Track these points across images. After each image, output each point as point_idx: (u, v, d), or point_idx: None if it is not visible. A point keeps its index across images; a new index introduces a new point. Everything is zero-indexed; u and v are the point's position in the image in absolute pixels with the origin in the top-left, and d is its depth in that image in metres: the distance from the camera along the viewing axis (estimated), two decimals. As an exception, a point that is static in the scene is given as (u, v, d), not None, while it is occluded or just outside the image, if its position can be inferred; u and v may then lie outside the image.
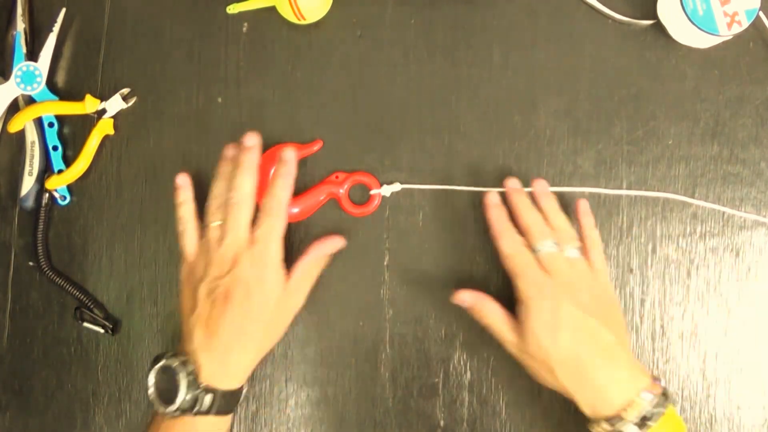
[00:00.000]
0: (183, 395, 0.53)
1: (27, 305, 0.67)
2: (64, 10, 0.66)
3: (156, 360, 0.55)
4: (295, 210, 0.63)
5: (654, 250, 0.63)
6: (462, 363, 0.63)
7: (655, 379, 0.54)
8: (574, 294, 0.55)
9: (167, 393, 0.53)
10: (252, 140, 0.60)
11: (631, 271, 0.63)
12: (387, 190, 0.63)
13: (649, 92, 0.64)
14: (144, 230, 0.66)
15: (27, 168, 0.65)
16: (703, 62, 0.63)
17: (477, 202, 0.63)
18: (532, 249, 0.57)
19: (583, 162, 0.63)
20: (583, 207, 0.60)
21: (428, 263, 0.64)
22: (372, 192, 0.63)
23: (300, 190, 0.64)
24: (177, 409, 0.53)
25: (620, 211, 0.63)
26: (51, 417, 0.66)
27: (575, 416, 0.63)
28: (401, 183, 0.64)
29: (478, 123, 0.64)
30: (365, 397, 0.64)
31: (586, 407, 0.53)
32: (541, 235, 0.57)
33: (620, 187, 0.63)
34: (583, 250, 0.58)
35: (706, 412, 0.63)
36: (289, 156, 0.59)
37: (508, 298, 0.63)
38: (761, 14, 0.60)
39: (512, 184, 0.61)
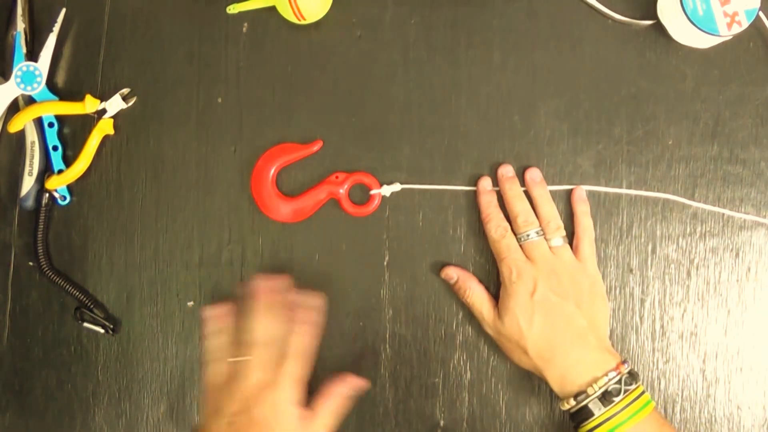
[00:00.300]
0: None
1: (27, 305, 0.67)
2: (64, 10, 0.66)
3: None
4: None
5: (654, 250, 0.63)
6: (462, 363, 0.63)
7: (624, 362, 0.56)
8: (552, 280, 0.58)
9: None
10: (268, 282, 0.59)
11: (631, 271, 0.63)
12: (387, 190, 0.63)
13: (649, 92, 0.64)
14: (144, 230, 0.66)
15: (27, 168, 0.65)
16: (703, 62, 0.63)
17: (476, 203, 0.63)
18: (519, 236, 0.60)
19: (583, 162, 0.63)
20: (579, 193, 0.62)
21: (428, 263, 0.64)
22: (372, 192, 0.63)
23: (300, 190, 0.64)
24: None
25: (620, 211, 0.63)
26: (51, 417, 0.66)
27: (575, 416, 0.62)
28: (401, 183, 0.64)
29: (478, 123, 0.64)
30: (365, 397, 0.64)
31: (555, 384, 0.57)
32: (526, 225, 0.60)
33: (620, 187, 0.63)
34: (574, 237, 0.61)
35: (706, 412, 0.63)
36: (318, 304, 0.60)
37: (508, 298, 0.63)
38: (761, 14, 0.60)
39: (505, 170, 0.63)
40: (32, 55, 0.66)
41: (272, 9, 0.64)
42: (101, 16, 0.67)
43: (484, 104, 0.64)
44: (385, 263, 0.64)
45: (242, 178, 0.65)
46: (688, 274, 0.63)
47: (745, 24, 0.59)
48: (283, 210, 0.63)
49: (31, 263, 0.66)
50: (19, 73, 0.65)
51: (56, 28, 0.65)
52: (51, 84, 0.66)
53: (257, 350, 0.56)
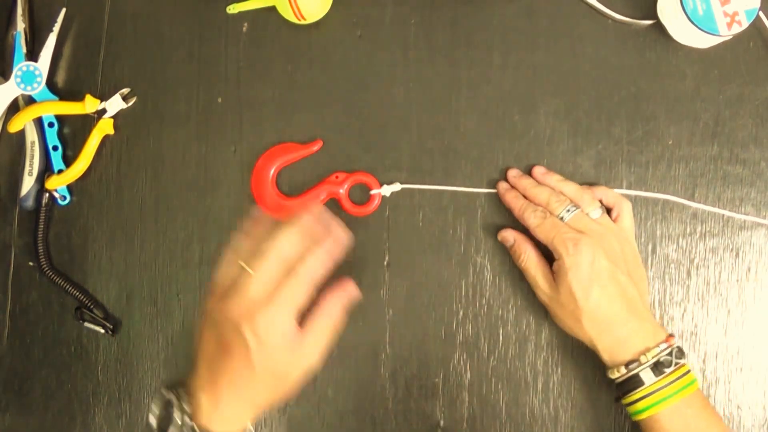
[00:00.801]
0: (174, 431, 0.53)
1: (27, 305, 0.67)
2: (64, 10, 0.66)
3: (164, 388, 0.55)
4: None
5: (654, 250, 0.63)
6: (462, 363, 0.63)
7: (672, 335, 0.57)
8: (607, 249, 0.57)
9: (164, 423, 0.53)
10: (310, 211, 0.56)
11: (631, 271, 0.63)
12: (387, 190, 0.63)
13: (649, 92, 0.64)
14: (144, 230, 0.66)
15: (27, 168, 0.65)
16: (703, 62, 0.63)
17: (476, 203, 0.63)
18: (556, 216, 0.59)
19: (583, 162, 0.63)
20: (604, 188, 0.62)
21: (428, 263, 0.64)
22: (372, 192, 0.63)
23: (300, 190, 0.64)
24: None
25: (620, 211, 0.63)
26: (51, 417, 0.66)
27: (574, 414, 0.63)
28: (401, 183, 0.64)
29: (478, 123, 0.64)
30: (365, 397, 0.64)
31: (605, 353, 0.57)
32: (559, 204, 0.59)
33: (620, 187, 0.63)
34: (611, 212, 0.61)
35: (706, 412, 0.63)
36: (341, 238, 0.56)
37: (507, 299, 0.63)
38: (761, 14, 0.60)
39: (513, 172, 0.63)
40: (32, 55, 0.66)
41: (272, 9, 0.64)
42: (101, 16, 0.67)
43: (484, 104, 0.64)
44: (385, 263, 0.64)
45: (242, 178, 0.65)
46: (688, 274, 0.63)
47: (745, 24, 0.59)
48: (284, 209, 0.63)
49: (31, 263, 0.66)
50: (19, 73, 0.65)
51: (56, 28, 0.65)
52: (51, 84, 0.66)
53: (267, 263, 0.53)
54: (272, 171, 0.64)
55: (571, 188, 0.61)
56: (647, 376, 0.55)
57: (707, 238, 0.63)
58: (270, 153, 0.64)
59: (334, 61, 0.65)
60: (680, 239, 0.63)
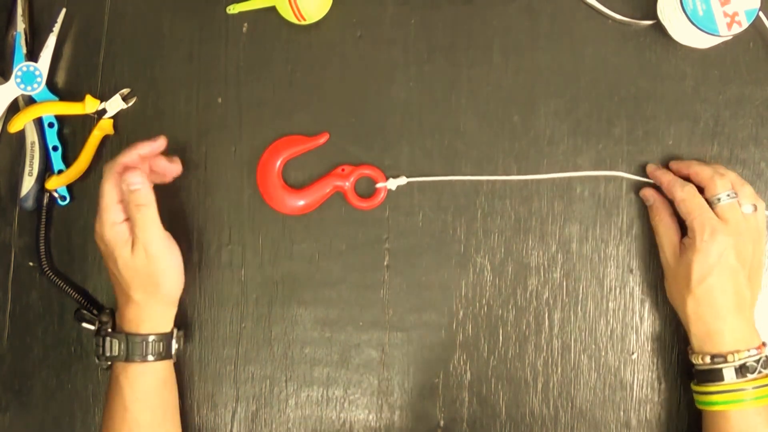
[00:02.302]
0: (94, 342, 0.60)
1: (27, 305, 0.67)
2: (64, 10, 0.66)
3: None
4: (300, 203, 0.63)
5: (654, 250, 0.63)
6: (462, 363, 0.63)
7: (764, 344, 0.57)
8: (740, 247, 0.57)
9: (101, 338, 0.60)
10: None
11: (631, 271, 0.63)
12: (393, 184, 0.63)
13: (649, 92, 0.63)
14: (144, 230, 0.66)
15: (27, 168, 0.65)
16: (703, 62, 0.63)
17: (476, 203, 0.63)
18: (711, 198, 0.58)
19: (583, 162, 0.63)
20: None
21: (428, 263, 0.64)
22: (378, 185, 0.63)
23: (305, 184, 0.64)
24: (96, 356, 0.60)
25: (620, 211, 0.63)
26: (51, 417, 0.66)
27: (574, 414, 0.63)
28: (407, 177, 0.63)
29: (478, 123, 0.64)
30: (366, 397, 0.64)
31: (696, 339, 0.58)
32: (723, 186, 0.58)
33: (620, 187, 0.63)
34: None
35: (706, 412, 0.63)
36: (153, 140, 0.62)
37: (507, 299, 0.63)
38: (761, 14, 0.60)
39: (652, 168, 0.63)
40: (32, 55, 0.66)
41: (272, 9, 0.64)
42: (101, 16, 0.67)
43: (484, 104, 0.64)
44: (385, 263, 0.64)
45: (242, 178, 0.65)
46: (688, 274, 0.63)
47: (745, 24, 0.59)
48: (289, 202, 0.63)
49: (31, 263, 0.66)
50: (19, 73, 0.65)
51: (56, 28, 0.65)
52: (51, 84, 0.66)
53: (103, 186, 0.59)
54: (278, 163, 0.64)
55: (733, 175, 0.60)
56: (729, 374, 0.56)
57: (707, 238, 0.63)
58: (276, 145, 0.64)
59: (334, 61, 0.65)
60: (680, 239, 0.63)
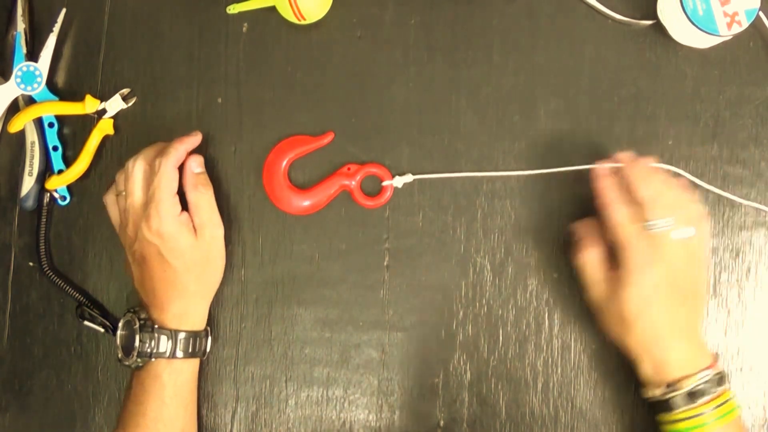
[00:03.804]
0: (138, 339, 0.58)
1: (27, 305, 0.67)
2: (64, 10, 0.66)
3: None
4: (307, 203, 0.63)
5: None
6: (462, 363, 0.63)
7: (715, 360, 0.56)
8: (678, 275, 0.55)
9: (129, 343, 0.59)
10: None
11: (631, 271, 0.63)
12: (399, 182, 0.63)
13: (649, 92, 0.63)
14: (144, 230, 0.66)
15: (27, 168, 0.65)
16: (703, 62, 0.63)
17: (476, 204, 0.63)
18: (645, 223, 0.55)
19: (583, 162, 0.63)
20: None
21: (428, 263, 0.64)
22: (384, 183, 0.63)
23: (310, 183, 0.64)
24: (138, 354, 0.58)
25: (620, 211, 0.63)
26: (51, 417, 0.66)
27: (574, 415, 0.63)
28: (413, 174, 0.63)
29: (478, 123, 0.64)
30: (366, 397, 0.64)
31: (645, 372, 0.56)
32: (661, 213, 0.55)
33: (620, 187, 0.63)
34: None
35: (706, 412, 0.63)
36: (190, 135, 0.63)
37: (507, 299, 0.63)
38: (761, 14, 0.60)
39: (624, 155, 0.58)
40: (32, 55, 0.66)
41: (272, 9, 0.64)
42: (101, 16, 0.67)
43: (484, 104, 0.64)
44: (385, 263, 0.64)
45: (242, 178, 0.65)
46: (688, 274, 0.63)
47: (745, 24, 0.59)
48: (296, 203, 0.63)
49: (31, 263, 0.66)
50: (19, 73, 0.65)
51: (56, 28, 0.65)
52: (51, 84, 0.66)
53: (132, 177, 0.60)
54: (284, 163, 0.64)
55: (672, 195, 0.57)
56: (683, 401, 0.54)
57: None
58: (281, 145, 0.64)
59: (334, 61, 0.65)
60: (680, 239, 0.63)
